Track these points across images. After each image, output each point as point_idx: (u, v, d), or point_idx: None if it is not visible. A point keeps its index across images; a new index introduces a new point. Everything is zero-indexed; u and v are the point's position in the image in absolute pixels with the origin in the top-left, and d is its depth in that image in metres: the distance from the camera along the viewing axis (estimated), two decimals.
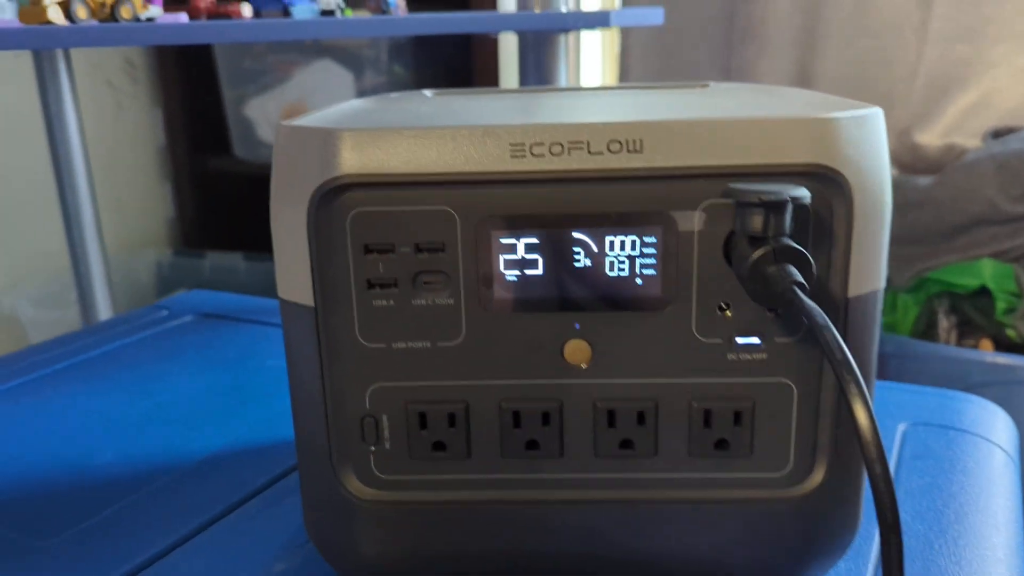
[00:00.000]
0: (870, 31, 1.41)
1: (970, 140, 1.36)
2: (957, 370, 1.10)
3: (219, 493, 0.49)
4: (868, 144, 0.34)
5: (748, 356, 0.34)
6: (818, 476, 0.36)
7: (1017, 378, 1.09)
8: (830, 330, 0.28)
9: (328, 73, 1.67)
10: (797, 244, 0.31)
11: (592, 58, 1.71)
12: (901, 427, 0.55)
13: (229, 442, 0.56)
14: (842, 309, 0.34)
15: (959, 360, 1.12)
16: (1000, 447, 0.54)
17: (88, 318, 1.19)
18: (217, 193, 1.91)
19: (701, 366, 0.34)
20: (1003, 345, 1.14)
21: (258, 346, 0.74)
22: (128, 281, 1.74)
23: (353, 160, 0.34)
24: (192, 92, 1.87)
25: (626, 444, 0.36)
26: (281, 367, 0.38)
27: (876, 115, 0.34)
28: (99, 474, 0.52)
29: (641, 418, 0.36)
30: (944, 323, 1.17)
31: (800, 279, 0.30)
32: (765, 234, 0.30)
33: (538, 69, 0.77)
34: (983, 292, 1.15)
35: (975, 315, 1.16)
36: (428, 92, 0.51)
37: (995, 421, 0.58)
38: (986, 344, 1.16)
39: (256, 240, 1.63)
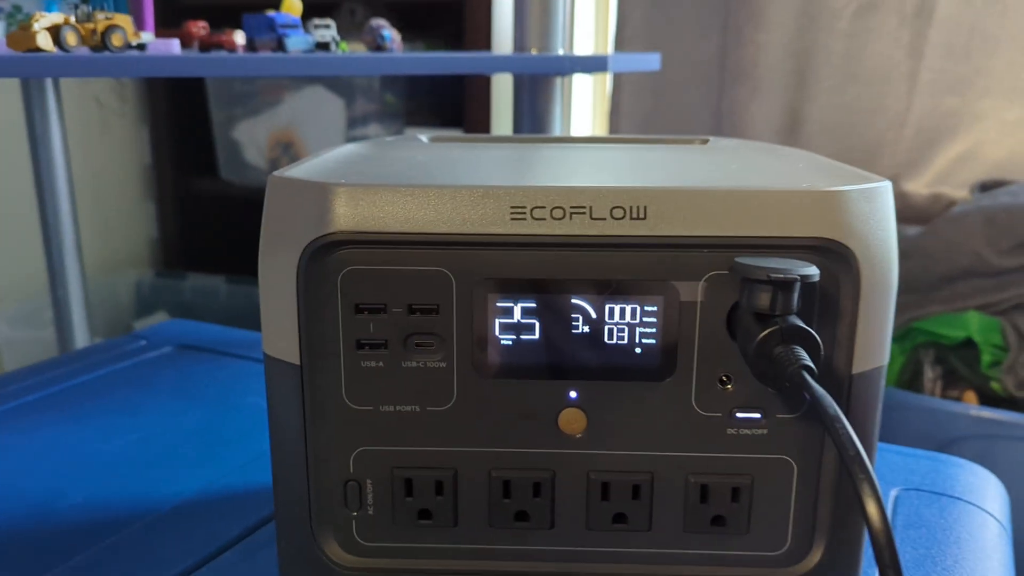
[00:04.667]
0: (860, 79, 1.42)
1: (957, 191, 1.37)
2: (941, 422, 1.10)
3: (191, 544, 0.47)
4: (877, 217, 0.33)
5: (748, 431, 0.33)
6: (816, 555, 0.35)
7: (1000, 432, 1.08)
8: (841, 423, 0.27)
9: (319, 99, 1.66)
10: (804, 324, 0.30)
11: (583, 97, 1.72)
12: (893, 492, 0.54)
13: (204, 486, 0.54)
14: (846, 386, 0.33)
15: (943, 412, 1.12)
16: (993, 516, 0.53)
17: (64, 340, 1.17)
18: (201, 215, 1.89)
19: (699, 440, 0.33)
20: (987, 398, 1.14)
21: (238, 382, 0.72)
22: (107, 301, 1.71)
23: (347, 216, 0.32)
24: (180, 112, 1.86)
25: (619, 518, 0.35)
26: (260, 405, 0.37)
27: (885, 188, 0.33)
28: (67, 517, 0.50)
29: (636, 491, 0.35)
30: (930, 374, 1.17)
31: (809, 362, 0.29)
32: (772, 312, 0.29)
33: (532, 111, 0.77)
34: (969, 344, 1.15)
35: (960, 367, 1.16)
36: (424, 137, 0.50)
37: (987, 488, 0.57)
38: (970, 396, 1.16)
39: (239, 263, 1.61)
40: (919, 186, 1.37)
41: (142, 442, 0.60)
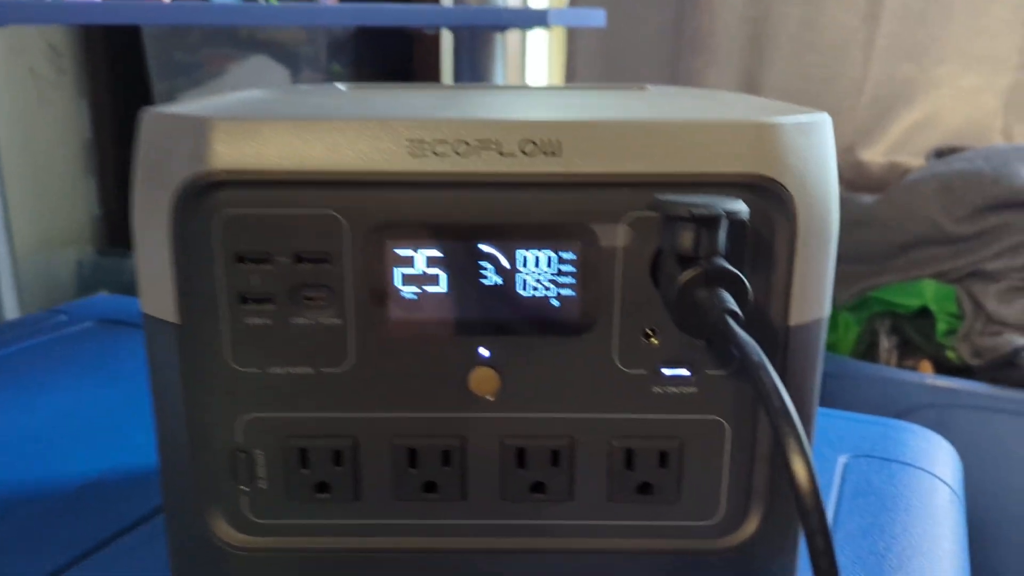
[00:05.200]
0: (816, 46, 1.40)
1: (913, 159, 1.35)
2: (896, 392, 1.09)
3: (95, 525, 0.44)
4: (814, 154, 0.30)
5: (676, 389, 0.31)
6: (752, 525, 0.32)
7: (956, 401, 1.07)
8: (766, 370, 0.23)
9: (263, 69, 1.60)
10: (731, 266, 0.27)
11: (537, 65, 1.68)
12: (842, 459, 0.52)
13: (114, 466, 0.50)
14: (782, 340, 0.30)
15: (898, 382, 1.11)
16: (944, 482, 0.51)
17: None
18: None
19: (623, 400, 0.31)
20: (942, 367, 1.13)
21: None
22: (45, 280, 1.65)
23: (225, 153, 0.29)
24: (121, 83, 1.79)
25: (537, 487, 0.32)
26: None
27: (823, 122, 0.30)
28: None
29: (555, 458, 0.32)
30: (885, 343, 1.15)
31: (734, 307, 0.26)
32: (696, 253, 0.26)
33: (473, 69, 0.73)
34: (924, 313, 1.14)
35: (915, 336, 1.15)
36: (343, 85, 0.46)
37: (938, 453, 0.55)
38: (925, 366, 1.15)
39: None
40: (876, 155, 1.36)
41: (53, 421, 0.56)
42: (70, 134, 1.86)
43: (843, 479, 0.49)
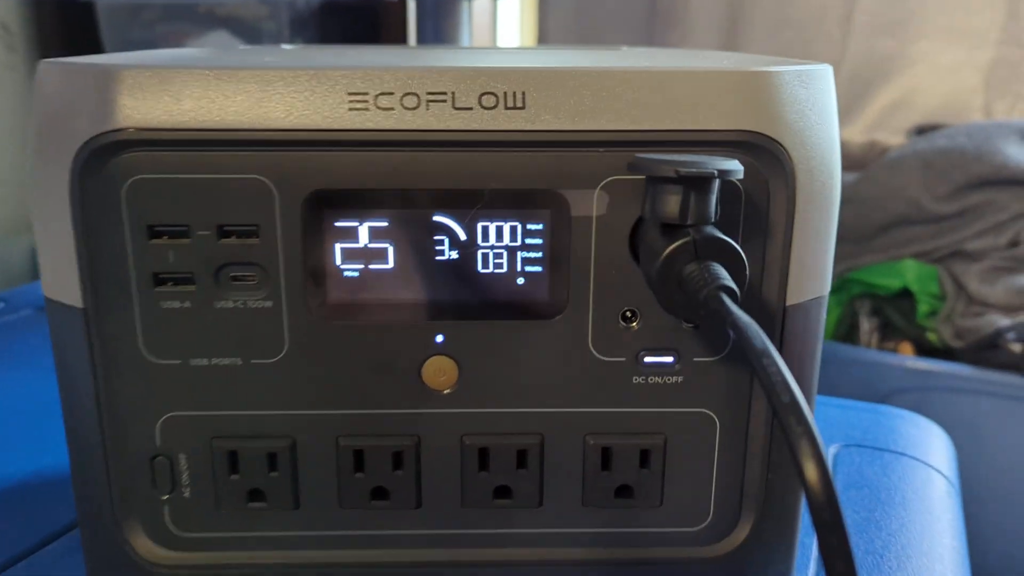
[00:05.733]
0: (793, 22, 1.36)
1: (892, 137, 1.33)
2: (878, 375, 1.06)
3: (18, 533, 0.39)
4: (814, 109, 0.26)
5: (659, 379, 0.27)
6: (744, 530, 0.29)
7: (937, 384, 1.05)
8: (771, 358, 0.20)
9: (222, 46, 1.54)
10: (725, 235, 0.23)
11: (507, 35, 1.63)
12: (832, 449, 0.48)
13: (44, 467, 0.46)
14: (779, 320, 0.26)
15: (879, 364, 1.08)
16: (940, 472, 0.48)
17: None
18: None
19: (599, 392, 0.27)
20: (923, 349, 1.10)
21: None
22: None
23: (134, 108, 0.25)
24: None
25: (502, 492, 0.28)
26: None
27: (824, 72, 0.27)
28: None
29: (522, 458, 0.28)
30: (866, 325, 1.13)
31: (729, 282, 0.22)
32: (683, 221, 0.23)
33: (436, 36, 0.69)
34: (905, 295, 1.11)
35: (896, 318, 1.12)
36: (289, 46, 0.41)
37: (931, 440, 0.51)
38: (906, 348, 1.13)
39: None
40: (854, 133, 1.33)
41: None
42: (22, 116, 1.79)
43: (835, 471, 0.46)
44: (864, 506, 0.42)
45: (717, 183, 0.23)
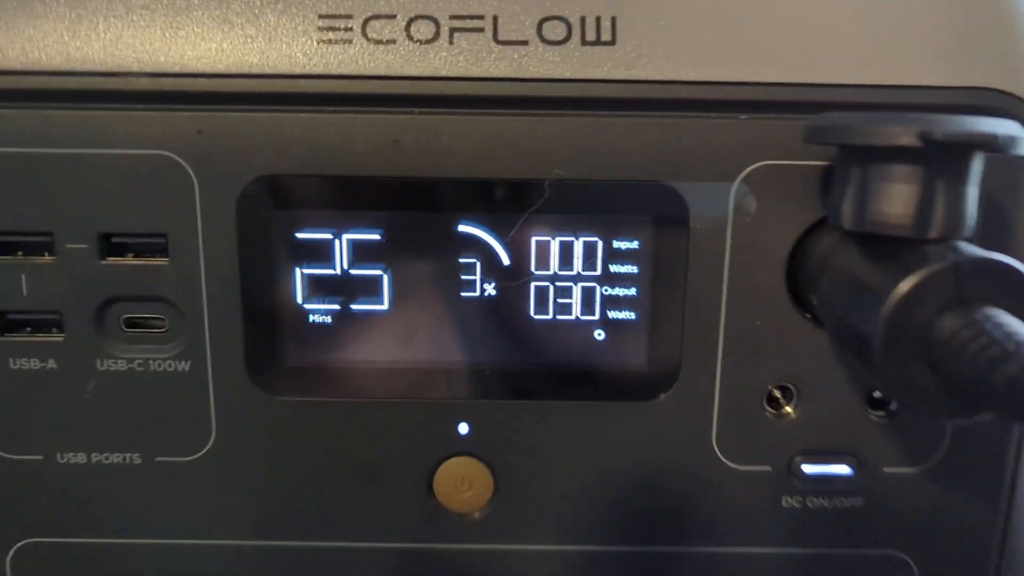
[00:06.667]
0: None
1: None
2: None
3: None
4: None
5: (824, 502, 0.18)
6: None
7: None
8: None
9: None
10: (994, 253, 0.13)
11: None
12: None
13: None
14: None
15: None
16: None
17: None
18: None
19: (725, 521, 0.18)
20: None
21: None
22: None
23: None
24: None
25: None
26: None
27: None
28: None
29: None
30: None
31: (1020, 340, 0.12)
32: (921, 232, 0.13)
33: None
34: None
35: None
36: None
37: None
38: None
39: None
40: None
41: None
42: None
43: None
44: None
45: (981, 160, 0.13)
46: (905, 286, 0.13)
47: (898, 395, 0.14)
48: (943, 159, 0.13)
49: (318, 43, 0.16)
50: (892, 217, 0.13)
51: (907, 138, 0.13)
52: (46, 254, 0.17)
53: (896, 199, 0.13)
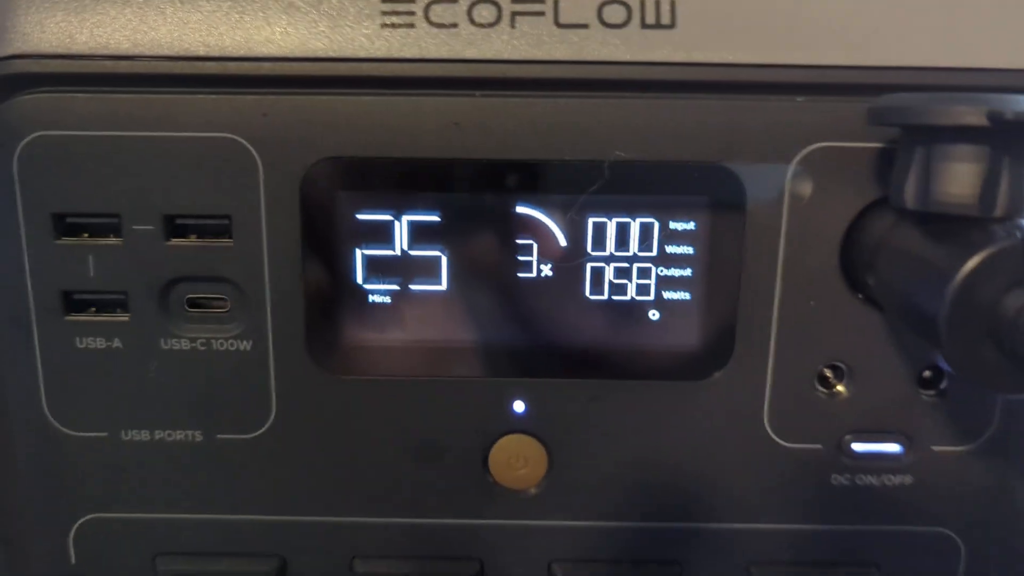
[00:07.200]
0: None
1: None
2: None
3: None
4: None
5: (874, 479, 0.18)
6: None
7: None
8: None
9: None
10: None
11: None
12: None
13: None
14: None
15: None
16: None
17: None
18: None
19: (776, 497, 0.19)
20: None
21: None
22: None
23: (33, 27, 0.16)
24: None
25: None
26: None
27: None
28: None
29: None
30: None
31: None
32: (987, 211, 0.13)
33: None
34: None
35: None
36: None
37: None
38: None
39: None
40: None
41: None
42: None
43: None
44: None
45: None
46: (972, 263, 0.13)
47: (963, 371, 0.14)
48: (1009, 139, 0.13)
49: (381, 27, 0.17)
50: (957, 197, 0.13)
51: (974, 117, 0.13)
52: (112, 236, 0.17)
53: (961, 179, 0.13)
